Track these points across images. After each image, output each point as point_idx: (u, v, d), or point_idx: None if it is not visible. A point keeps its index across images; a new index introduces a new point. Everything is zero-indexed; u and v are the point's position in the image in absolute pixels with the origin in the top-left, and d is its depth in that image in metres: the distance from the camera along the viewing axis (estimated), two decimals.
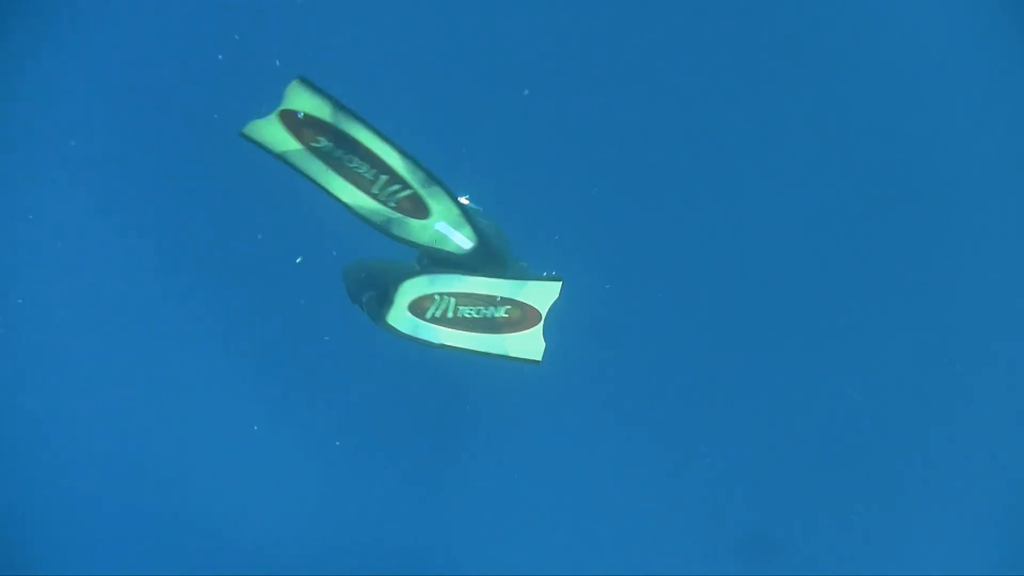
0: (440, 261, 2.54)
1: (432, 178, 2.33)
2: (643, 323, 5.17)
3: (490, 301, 2.47)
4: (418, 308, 2.42)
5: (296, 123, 2.22)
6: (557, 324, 2.67)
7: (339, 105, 2.21)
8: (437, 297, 2.42)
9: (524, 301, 2.50)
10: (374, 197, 2.31)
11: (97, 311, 5.04)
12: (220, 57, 4.93)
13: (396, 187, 2.31)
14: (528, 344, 2.54)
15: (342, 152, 2.26)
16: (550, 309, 2.54)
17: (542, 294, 2.52)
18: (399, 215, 2.36)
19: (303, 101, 2.19)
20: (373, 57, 5.18)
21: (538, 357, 2.55)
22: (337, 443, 5.10)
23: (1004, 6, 5.15)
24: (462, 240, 2.46)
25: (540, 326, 2.54)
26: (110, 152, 5.06)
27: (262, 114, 2.16)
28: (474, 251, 2.48)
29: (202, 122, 4.87)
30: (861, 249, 5.35)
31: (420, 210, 2.38)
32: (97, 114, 5.06)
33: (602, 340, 5.07)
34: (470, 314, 2.46)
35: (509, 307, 2.50)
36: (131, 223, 5.05)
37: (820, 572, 5.02)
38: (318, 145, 2.24)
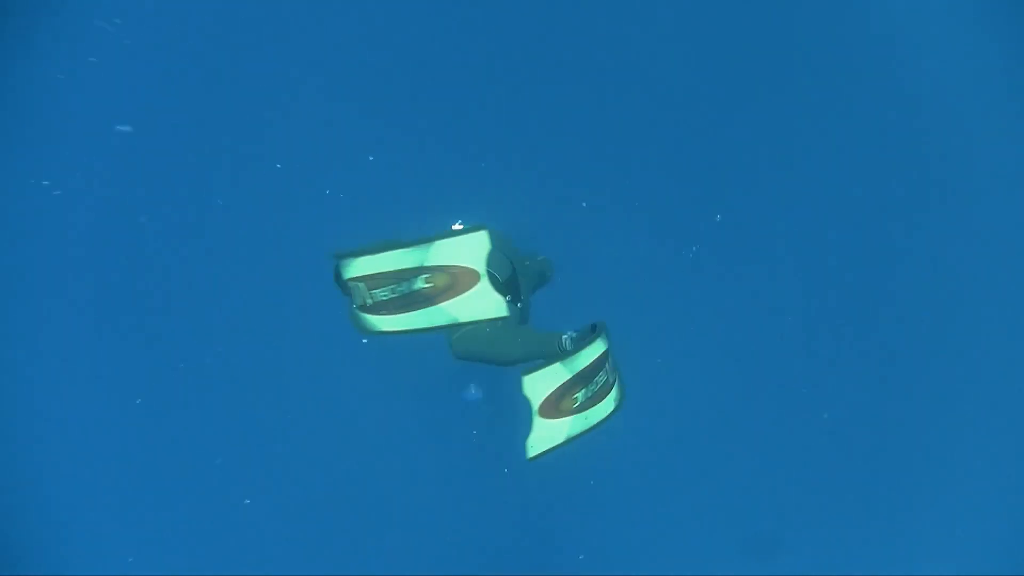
0: None
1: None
2: (644, 323, 5.17)
3: (398, 277, 2.23)
4: (354, 299, 2.32)
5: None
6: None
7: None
8: (353, 285, 2.27)
9: (444, 264, 2.23)
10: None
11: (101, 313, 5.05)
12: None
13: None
14: (481, 303, 2.28)
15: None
16: (489, 260, 2.31)
17: (464, 250, 2.24)
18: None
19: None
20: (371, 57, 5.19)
21: (503, 311, 2.30)
22: None
23: (1005, 6, 5.16)
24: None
25: (484, 282, 2.27)
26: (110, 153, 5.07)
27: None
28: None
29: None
30: (861, 248, 5.35)
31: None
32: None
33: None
34: (386, 296, 2.25)
35: (427, 275, 2.24)
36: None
37: (821, 572, 5.01)
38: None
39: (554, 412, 2.21)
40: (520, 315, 2.69)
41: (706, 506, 5.16)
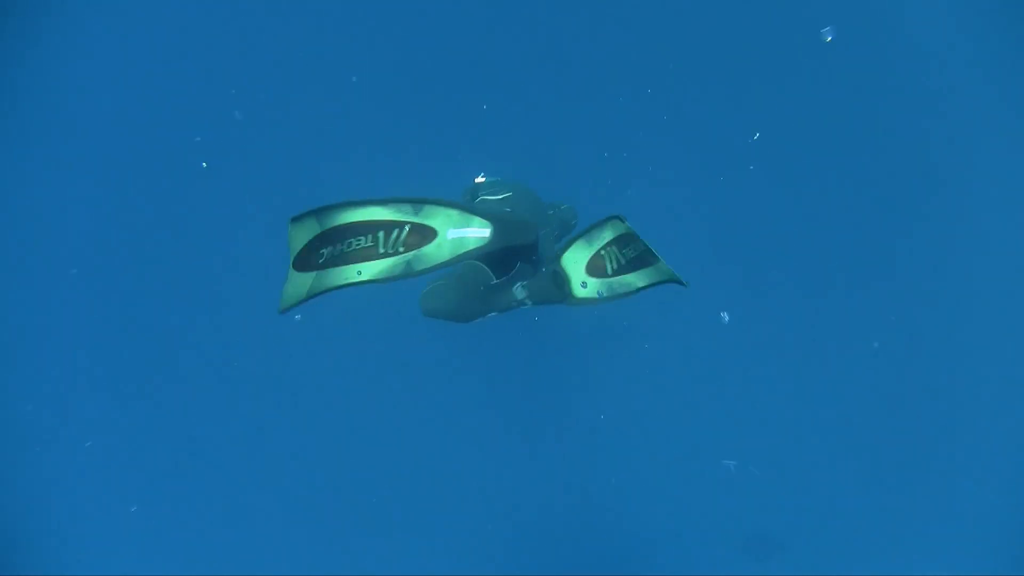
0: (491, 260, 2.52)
1: (416, 201, 2.27)
2: (647, 323, 5.18)
3: (632, 239, 2.37)
4: (596, 270, 2.45)
5: (305, 260, 2.19)
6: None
7: (318, 210, 2.16)
8: (603, 252, 2.45)
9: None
10: (384, 256, 2.25)
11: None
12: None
13: (395, 232, 2.25)
14: (666, 271, 2.38)
15: (341, 245, 2.22)
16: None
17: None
18: (413, 252, 2.27)
19: (300, 234, 2.16)
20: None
21: (681, 279, 2.37)
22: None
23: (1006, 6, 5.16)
24: (478, 231, 2.33)
25: (660, 260, 2.36)
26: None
27: (278, 279, 2.16)
28: (497, 232, 2.33)
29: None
30: (862, 248, 5.35)
31: (427, 234, 2.29)
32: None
33: (601, 338, 5.06)
34: (632, 253, 2.39)
35: (636, 243, 2.38)
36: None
37: (823, 572, 5.01)
38: (323, 259, 2.21)
39: (305, 266, 2.21)
40: (535, 268, 2.75)
41: (706, 505, 5.16)
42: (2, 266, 4.97)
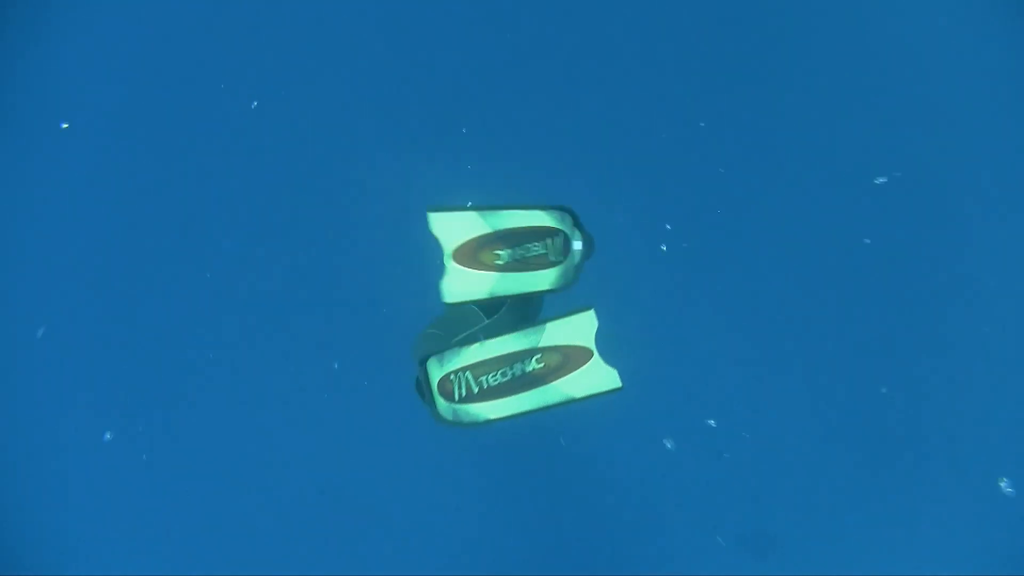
0: (453, 320, 2.45)
1: (557, 208, 2.25)
2: (643, 323, 5.17)
3: (510, 360, 2.26)
4: (445, 392, 2.23)
5: (470, 256, 2.15)
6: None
7: (477, 208, 2.14)
8: (453, 376, 2.23)
9: (554, 344, 2.28)
10: (555, 264, 2.26)
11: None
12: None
13: (557, 239, 2.26)
14: (594, 379, 2.36)
15: (520, 249, 2.21)
16: (597, 336, 2.35)
17: (574, 329, 2.30)
18: (567, 261, 2.29)
19: (450, 226, 2.12)
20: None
21: (617, 384, 2.40)
22: None
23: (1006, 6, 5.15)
24: (578, 245, 2.36)
25: (595, 358, 2.35)
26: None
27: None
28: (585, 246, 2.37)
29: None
30: (862, 248, 5.34)
31: (568, 246, 2.30)
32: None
33: (601, 332, 5.05)
34: (496, 380, 2.25)
35: (539, 355, 2.29)
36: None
37: (822, 571, 5.00)
38: (502, 260, 2.19)
39: (472, 263, 2.16)
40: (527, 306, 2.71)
41: (706, 505, 5.15)
42: (2, 266, 4.98)
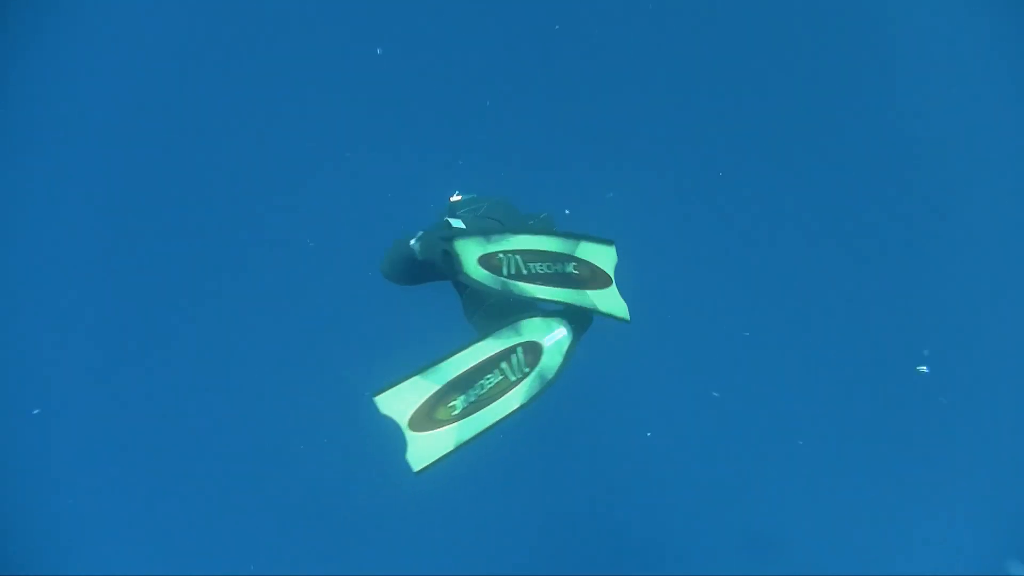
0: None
1: (512, 323, 2.39)
2: (641, 322, 5.17)
3: (555, 258, 2.49)
4: (489, 266, 2.38)
5: (425, 418, 2.23)
6: None
7: (421, 370, 2.22)
8: (501, 255, 2.40)
9: (586, 259, 2.53)
10: (518, 382, 2.36)
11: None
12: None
13: (513, 358, 2.36)
14: (612, 301, 2.56)
15: (473, 389, 2.29)
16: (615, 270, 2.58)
17: (600, 254, 2.56)
18: (537, 368, 2.40)
19: (407, 397, 2.20)
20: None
21: (626, 315, 2.57)
22: None
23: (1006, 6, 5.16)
24: (559, 333, 2.49)
25: (614, 287, 2.57)
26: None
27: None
28: (575, 329, 2.52)
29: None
30: (863, 248, 5.35)
31: (536, 348, 2.43)
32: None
33: (601, 333, 5.04)
34: (542, 269, 2.46)
35: (575, 263, 2.52)
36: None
37: (823, 572, 5.00)
38: (457, 411, 2.26)
39: (429, 424, 2.23)
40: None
41: (705, 505, 5.16)
42: (3, 266, 4.99)
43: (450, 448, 2.23)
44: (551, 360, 2.41)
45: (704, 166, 5.33)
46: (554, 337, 2.43)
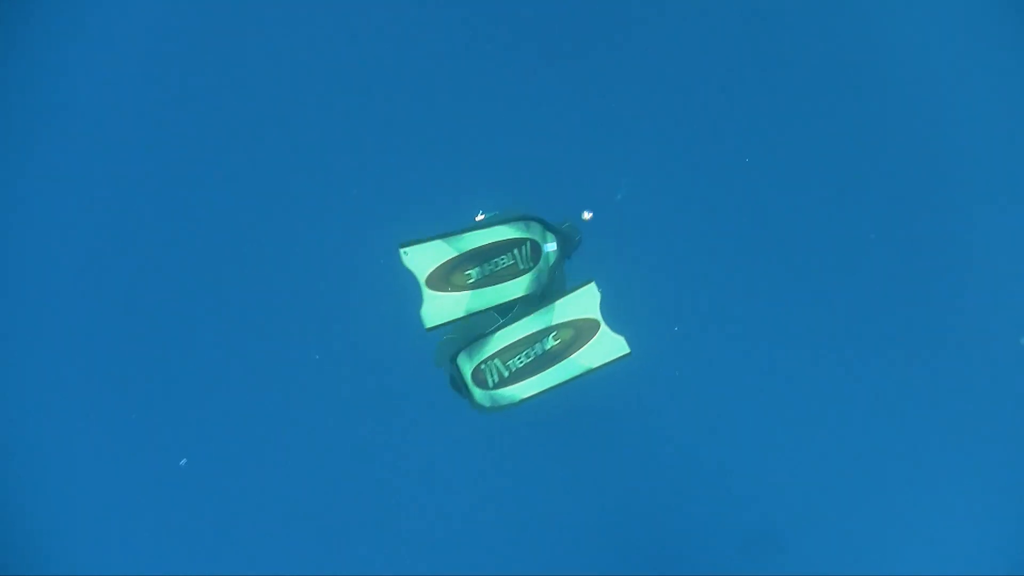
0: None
1: (523, 218, 2.43)
2: (639, 321, 5.17)
3: (533, 340, 2.48)
4: (479, 382, 2.44)
5: (442, 280, 2.32)
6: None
7: (443, 236, 2.31)
8: (483, 366, 2.44)
9: (565, 321, 2.50)
10: (525, 271, 2.45)
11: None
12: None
13: (524, 248, 2.45)
14: (605, 347, 2.54)
15: (488, 264, 2.39)
16: (602, 306, 2.56)
17: (581, 304, 2.52)
18: (537, 267, 2.48)
19: (429, 255, 2.30)
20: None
21: (626, 350, 2.57)
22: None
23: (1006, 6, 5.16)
24: (551, 247, 2.55)
25: (603, 329, 2.54)
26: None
27: (415, 304, 2.29)
28: (561, 245, 2.56)
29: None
30: (864, 249, 5.35)
31: (538, 250, 2.50)
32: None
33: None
34: (522, 362, 2.47)
35: (555, 333, 2.50)
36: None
37: (825, 572, 5.00)
38: (472, 279, 2.36)
39: (445, 286, 2.34)
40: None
41: (704, 505, 5.16)
42: (3, 265, 4.99)
43: (460, 313, 2.35)
44: (545, 265, 2.50)
45: (712, 162, 5.33)
46: (548, 247, 2.51)
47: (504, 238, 2.41)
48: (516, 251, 2.43)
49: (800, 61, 5.36)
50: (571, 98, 5.27)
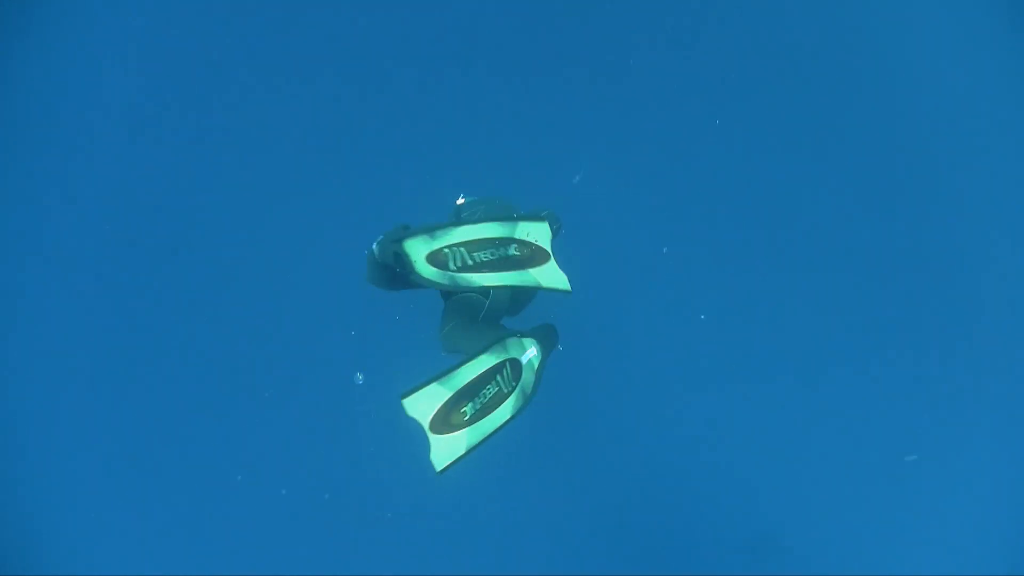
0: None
1: (495, 342, 2.58)
2: (638, 320, 5.18)
3: (498, 243, 2.66)
4: (437, 262, 2.57)
5: (443, 423, 2.45)
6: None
7: (434, 378, 2.44)
8: (447, 250, 2.58)
9: (525, 239, 2.70)
10: (509, 394, 2.60)
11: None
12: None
13: (505, 371, 2.60)
14: (553, 275, 2.72)
15: (478, 399, 2.52)
16: (552, 245, 2.74)
17: (537, 231, 2.73)
18: (520, 382, 2.64)
19: (427, 402, 2.43)
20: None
21: (568, 287, 2.74)
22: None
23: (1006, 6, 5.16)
24: (531, 352, 2.72)
25: (552, 261, 2.73)
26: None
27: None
28: (543, 346, 2.77)
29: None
30: (864, 249, 5.35)
31: (516, 365, 2.66)
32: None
33: (595, 336, 5.07)
34: (487, 257, 2.64)
35: (516, 244, 2.68)
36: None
37: (823, 572, 5.01)
38: (468, 416, 2.49)
39: (446, 428, 2.47)
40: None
41: (704, 505, 5.16)
42: (3, 266, 5.00)
43: (463, 451, 2.47)
44: (528, 376, 2.66)
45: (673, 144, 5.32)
46: (528, 355, 2.68)
47: (486, 367, 2.56)
48: (498, 376, 2.59)
49: (757, 41, 5.35)
50: (529, 88, 5.32)
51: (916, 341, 5.31)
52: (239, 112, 5.20)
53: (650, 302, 5.19)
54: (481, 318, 2.78)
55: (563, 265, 2.77)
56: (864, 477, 5.23)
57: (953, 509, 5.19)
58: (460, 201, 3.28)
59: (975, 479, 5.20)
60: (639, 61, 5.33)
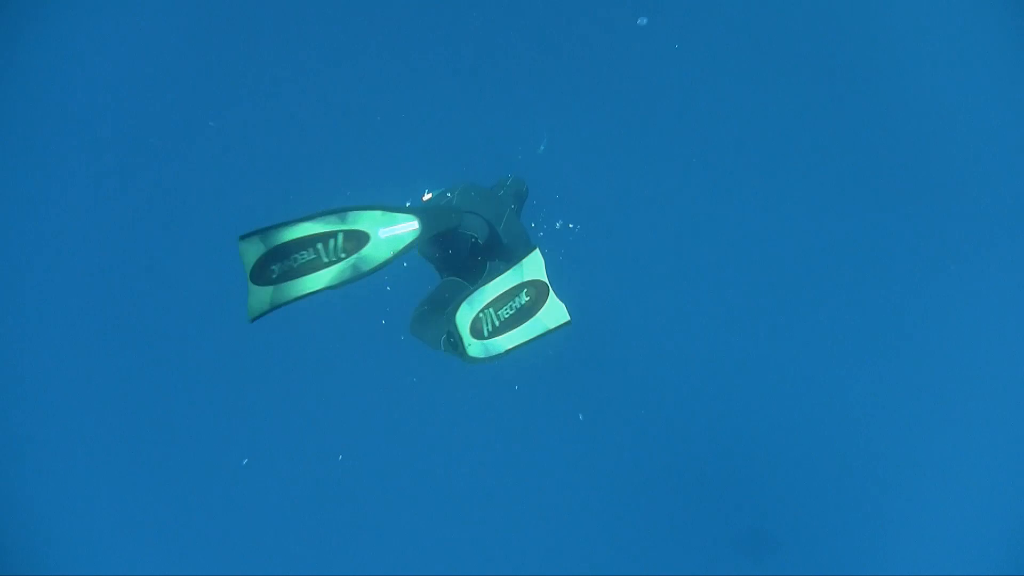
0: (451, 267, 2.72)
1: (339, 211, 2.46)
2: (638, 319, 5.18)
3: (514, 293, 2.65)
4: (476, 332, 2.57)
5: (260, 275, 2.40)
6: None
7: (260, 231, 2.38)
8: (481, 315, 2.58)
9: (530, 279, 2.68)
10: (329, 264, 2.48)
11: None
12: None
13: (331, 242, 2.48)
14: (555, 312, 2.71)
15: (288, 261, 2.45)
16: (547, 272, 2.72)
17: (534, 265, 2.71)
18: (355, 256, 2.50)
19: (249, 251, 2.38)
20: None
21: (568, 318, 2.71)
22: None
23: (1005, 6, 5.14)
24: (406, 225, 2.54)
25: (552, 294, 2.72)
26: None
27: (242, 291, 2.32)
28: (424, 221, 2.55)
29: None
30: (864, 248, 5.34)
31: (360, 238, 2.51)
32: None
33: (594, 335, 5.07)
34: (508, 313, 2.64)
35: (526, 289, 2.68)
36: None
37: (821, 571, 5.00)
38: (275, 275, 2.43)
39: (261, 280, 2.44)
40: (508, 253, 3.02)
41: (704, 504, 5.15)
42: (4, 266, 5.01)
43: (265, 307, 2.43)
44: (376, 252, 2.51)
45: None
46: (393, 231, 2.53)
47: (306, 234, 2.46)
48: (320, 245, 2.48)
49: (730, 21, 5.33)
50: (489, 64, 5.32)
51: (916, 341, 5.30)
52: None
53: (641, 296, 5.18)
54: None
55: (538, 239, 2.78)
56: (864, 477, 5.23)
57: (953, 509, 5.18)
58: (427, 197, 3.22)
59: (975, 479, 5.19)
60: (595, 27, 5.29)
